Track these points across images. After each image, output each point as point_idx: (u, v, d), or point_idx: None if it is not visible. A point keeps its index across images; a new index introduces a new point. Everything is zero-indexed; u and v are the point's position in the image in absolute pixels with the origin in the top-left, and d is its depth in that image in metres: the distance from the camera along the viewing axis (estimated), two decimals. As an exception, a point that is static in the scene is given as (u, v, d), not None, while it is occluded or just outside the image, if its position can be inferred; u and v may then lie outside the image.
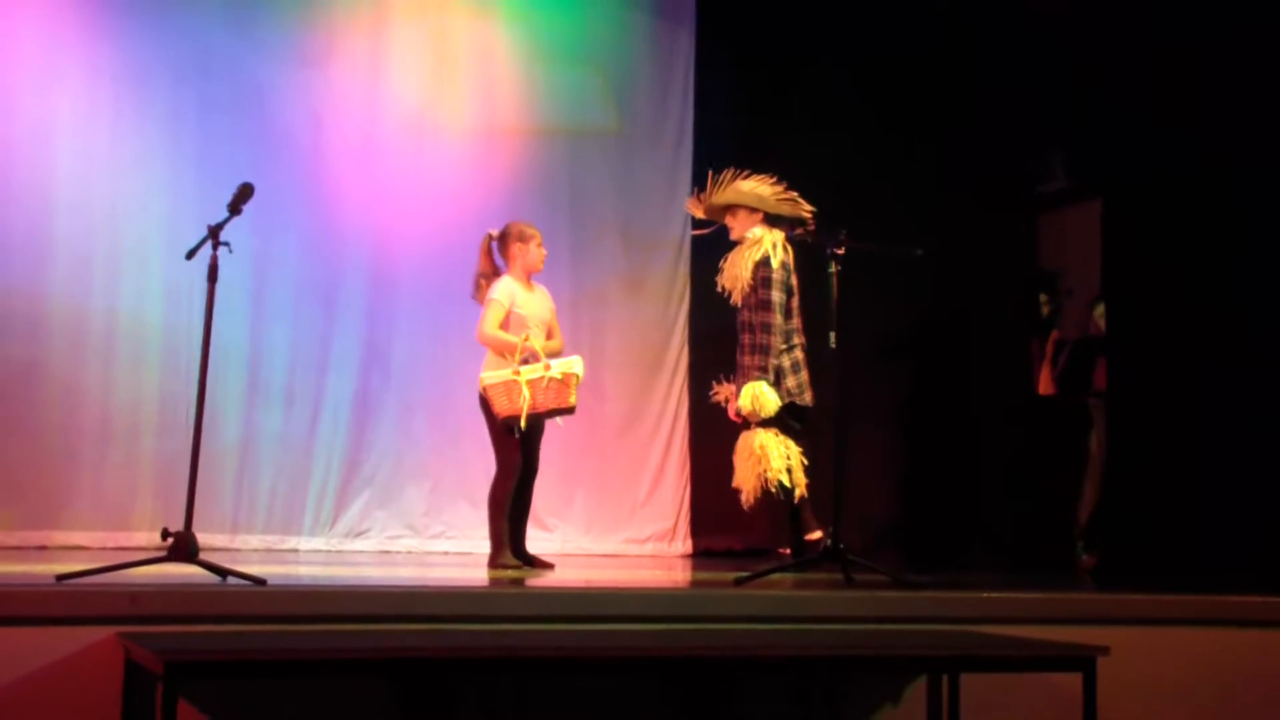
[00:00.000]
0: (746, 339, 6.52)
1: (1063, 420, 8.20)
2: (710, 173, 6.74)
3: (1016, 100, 8.06)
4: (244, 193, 5.48)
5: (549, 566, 6.59)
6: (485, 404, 6.42)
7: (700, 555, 8.35)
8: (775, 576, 5.89)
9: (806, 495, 6.48)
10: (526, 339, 6.39)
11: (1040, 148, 8.41)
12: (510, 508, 6.51)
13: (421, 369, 8.17)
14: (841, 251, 5.99)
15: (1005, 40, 8.01)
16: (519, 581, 5.96)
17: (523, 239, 6.64)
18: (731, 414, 6.60)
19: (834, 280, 5.96)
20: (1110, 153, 7.73)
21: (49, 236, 7.71)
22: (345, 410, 8.15)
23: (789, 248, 6.58)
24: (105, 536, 7.38)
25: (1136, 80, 7.30)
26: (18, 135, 7.71)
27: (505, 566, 6.38)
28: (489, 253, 6.70)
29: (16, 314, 7.59)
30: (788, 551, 6.71)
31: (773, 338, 6.46)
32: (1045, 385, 8.41)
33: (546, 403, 6.34)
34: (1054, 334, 8.57)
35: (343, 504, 8.10)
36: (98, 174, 7.81)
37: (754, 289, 6.50)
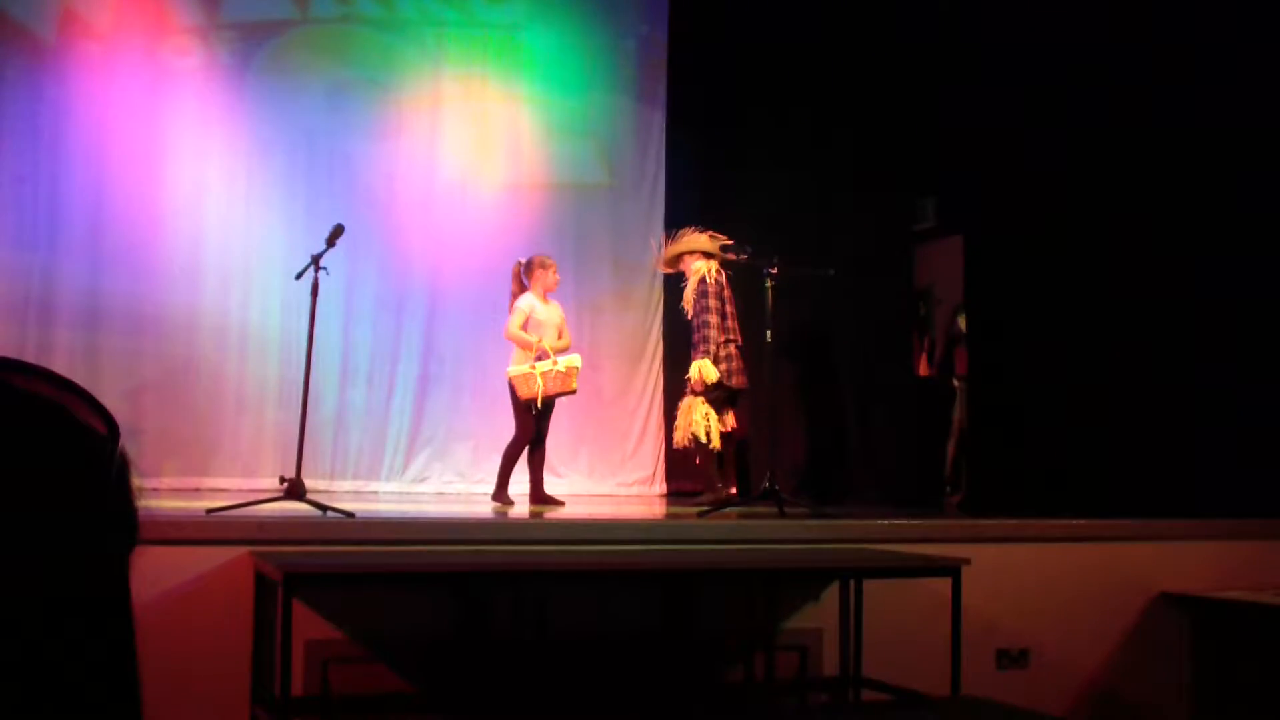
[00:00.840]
0: (696, 336, 6.72)
1: (934, 396, 8.21)
2: (662, 231, 7.29)
3: (899, 155, 8.03)
4: (337, 232, 5.50)
5: (560, 503, 6.59)
6: (511, 389, 6.49)
7: (672, 495, 8.34)
8: (729, 510, 5.89)
9: (722, 451, 6.67)
10: (540, 341, 6.43)
11: (917, 197, 8.43)
12: (529, 464, 6.56)
13: (466, 359, 8.14)
14: (775, 271, 6.08)
15: (887, 105, 7.96)
16: (538, 514, 5.96)
17: (543, 267, 6.71)
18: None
19: (769, 293, 6.06)
20: (968, 200, 7.73)
21: (200, 266, 7.70)
22: (410, 389, 8.09)
23: (722, 271, 6.77)
24: (241, 481, 7.33)
25: (991, 139, 7.27)
26: (180, 193, 7.69)
27: (503, 502, 6.45)
28: (518, 276, 6.73)
29: (177, 322, 7.58)
30: (734, 490, 6.74)
31: (711, 331, 6.64)
32: (923, 369, 8.42)
33: (555, 388, 6.42)
34: (928, 332, 8.60)
35: (410, 458, 8.04)
36: (235, 220, 7.79)
37: (698, 299, 6.71)
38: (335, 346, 7.84)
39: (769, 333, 6.12)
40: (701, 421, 6.64)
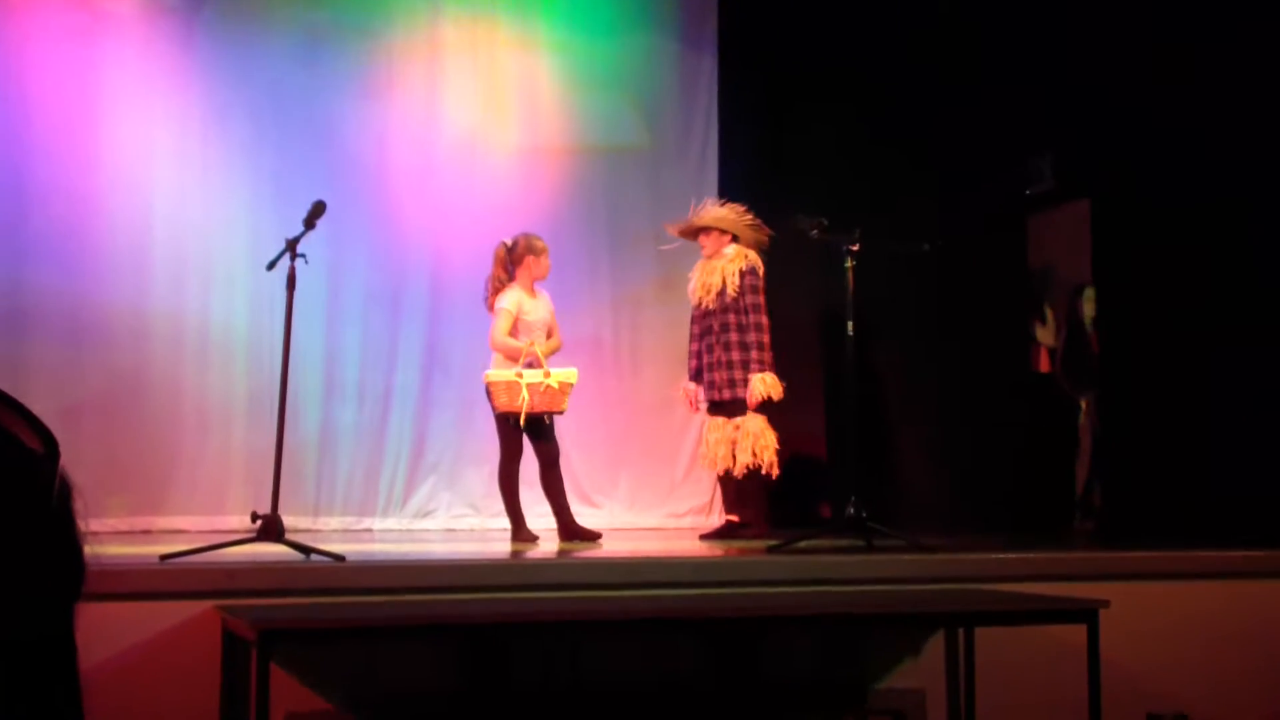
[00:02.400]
0: (736, 336, 6.89)
1: (1056, 398, 8.14)
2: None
3: (1011, 107, 7.97)
4: (317, 210, 5.50)
5: (596, 536, 6.62)
6: (489, 397, 6.53)
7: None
8: (804, 544, 5.85)
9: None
10: (531, 345, 6.45)
11: (1031, 154, 8.33)
12: (545, 491, 6.60)
13: (477, 365, 8.07)
14: (856, 248, 6.06)
15: (1002, 48, 7.92)
16: (568, 553, 5.94)
17: (533, 251, 6.71)
18: (694, 405, 7.21)
19: (849, 274, 6.03)
20: (1097, 156, 7.65)
21: (149, 256, 7.71)
22: (411, 404, 8.11)
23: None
24: (202, 520, 7.37)
25: (1123, 87, 7.20)
26: (121, 167, 7.70)
27: (525, 540, 6.45)
28: (503, 261, 6.75)
29: (121, 325, 7.58)
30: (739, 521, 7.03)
31: (766, 335, 6.87)
32: (1043, 364, 8.36)
33: (541, 405, 6.46)
34: (1048, 320, 8.53)
35: (412, 487, 8.06)
36: (190, 199, 7.81)
37: (742, 294, 6.88)
38: (317, 352, 7.87)
39: (850, 325, 6.09)
40: (773, 446, 6.85)
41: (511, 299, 6.60)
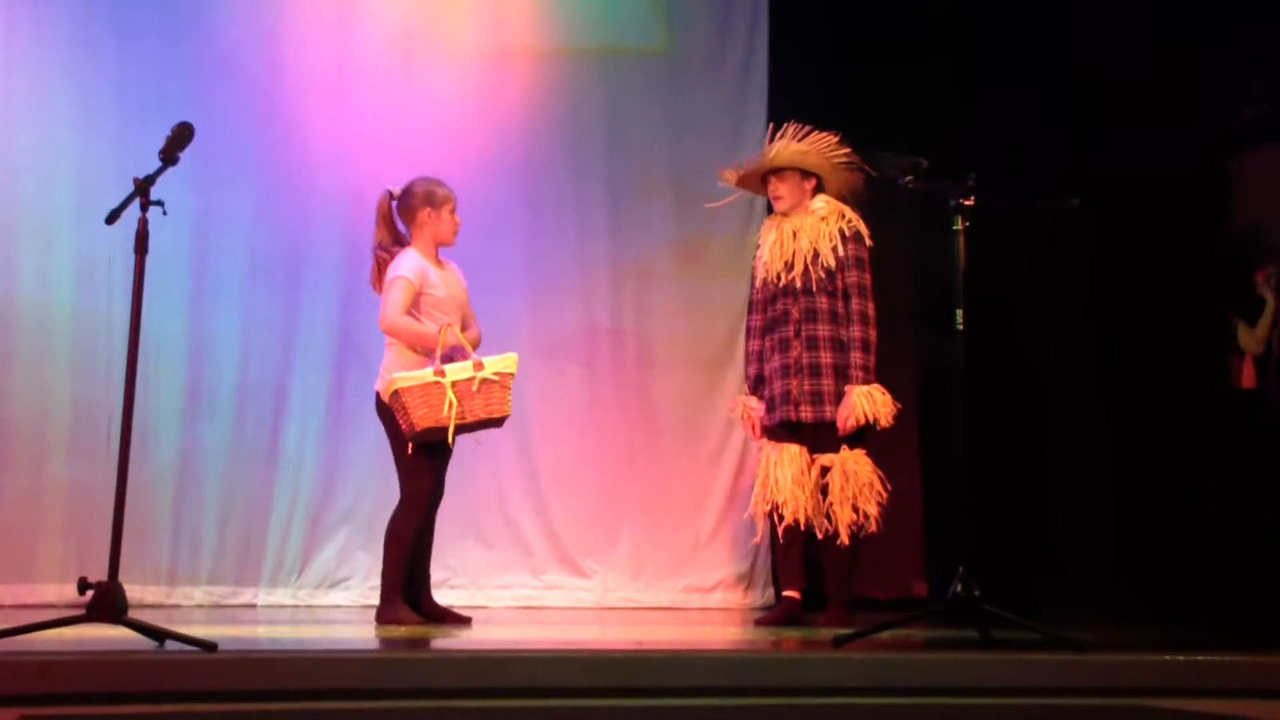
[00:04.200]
0: (829, 330, 6.88)
1: (1266, 429, 8.12)
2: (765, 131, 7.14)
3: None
4: (180, 135, 5.45)
5: (464, 621, 6.67)
6: (388, 413, 6.50)
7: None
8: (887, 634, 5.84)
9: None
10: (449, 329, 6.48)
11: (1235, 64, 8.32)
12: (411, 544, 6.60)
13: (412, 364, 8.18)
14: (969, 203, 5.96)
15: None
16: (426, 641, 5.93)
17: (432, 202, 6.74)
18: (756, 431, 7.14)
19: (960, 241, 5.91)
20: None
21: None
22: (316, 420, 8.19)
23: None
24: (2, 591, 7.37)
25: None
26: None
27: (400, 621, 6.47)
28: (388, 217, 6.78)
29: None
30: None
31: (876, 332, 6.89)
32: (1246, 378, 8.33)
33: (476, 411, 6.42)
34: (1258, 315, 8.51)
35: (313, 544, 8.12)
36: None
37: (844, 269, 6.87)
38: (177, 343, 7.93)
39: (960, 314, 6.04)
40: (877, 495, 6.86)
41: (410, 265, 6.61)
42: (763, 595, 8.46)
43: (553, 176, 8.40)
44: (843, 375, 6.82)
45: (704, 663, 5.36)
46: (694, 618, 7.86)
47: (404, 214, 6.76)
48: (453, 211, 6.75)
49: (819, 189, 7.06)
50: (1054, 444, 8.34)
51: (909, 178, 6.35)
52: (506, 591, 7.94)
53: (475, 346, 6.64)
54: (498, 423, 6.54)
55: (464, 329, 6.68)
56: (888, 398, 6.79)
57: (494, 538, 7.98)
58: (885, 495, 6.83)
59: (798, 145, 7.02)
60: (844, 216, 6.94)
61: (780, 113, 8.00)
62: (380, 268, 6.72)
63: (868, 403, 6.75)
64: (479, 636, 6.20)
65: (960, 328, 5.91)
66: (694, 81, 8.62)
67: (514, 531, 8.23)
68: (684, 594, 8.36)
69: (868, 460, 6.85)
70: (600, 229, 8.49)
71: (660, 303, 8.56)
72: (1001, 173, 6.67)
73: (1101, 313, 8.20)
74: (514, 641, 6.05)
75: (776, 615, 7.02)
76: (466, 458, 7.57)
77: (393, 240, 6.75)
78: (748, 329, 7.22)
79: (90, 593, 5.10)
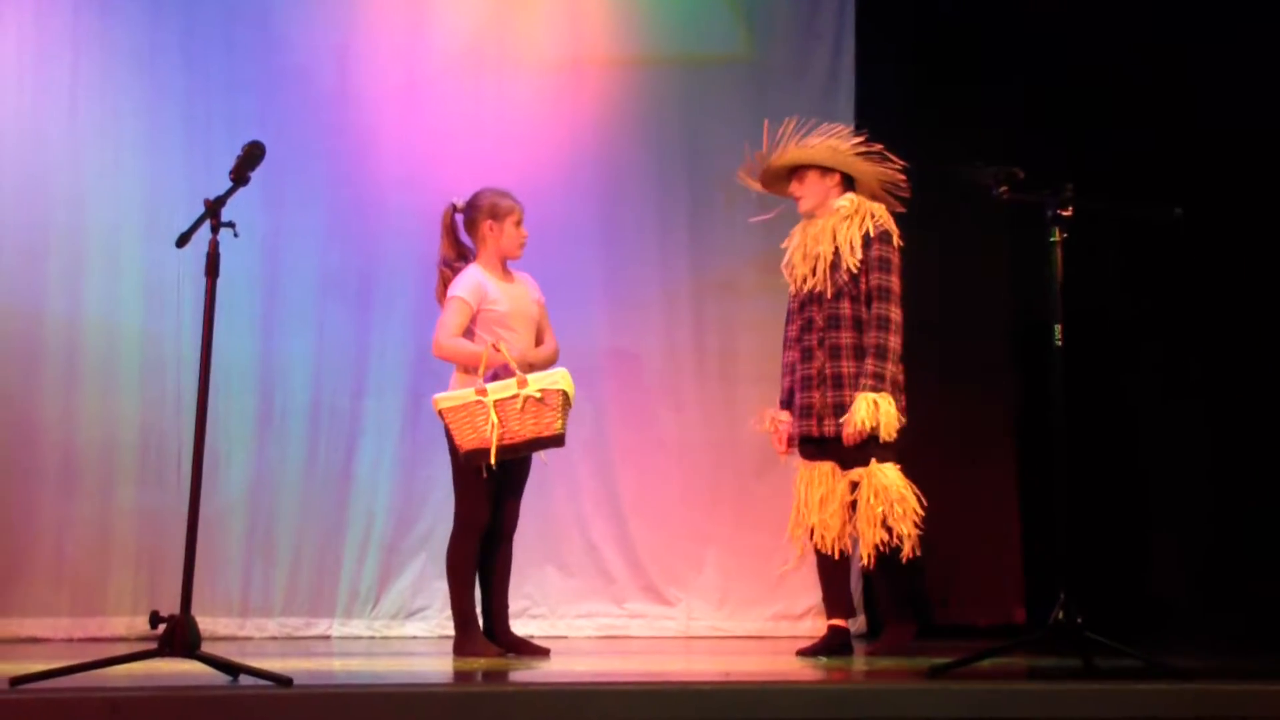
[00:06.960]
0: (850, 337, 6.76)
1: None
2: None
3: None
4: (251, 155, 5.46)
5: (543, 652, 6.64)
6: (446, 433, 6.51)
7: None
8: (987, 663, 5.80)
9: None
10: (495, 345, 6.46)
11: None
12: (482, 573, 6.64)
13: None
14: (1067, 213, 5.92)
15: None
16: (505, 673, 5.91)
17: (495, 215, 6.73)
18: (783, 445, 6.98)
19: (1057, 253, 5.88)
20: None
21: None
22: (390, 443, 8.21)
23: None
24: (71, 624, 7.41)
25: None
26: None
27: (478, 653, 6.47)
28: (452, 230, 6.79)
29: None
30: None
31: (898, 339, 6.71)
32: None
33: (523, 431, 6.38)
34: None
35: (389, 572, 8.14)
36: (50, 135, 7.91)
37: (865, 271, 6.75)
38: (248, 367, 7.97)
39: (1058, 330, 6.00)
40: (912, 510, 6.69)
41: (468, 285, 6.61)
42: (855, 622, 8.40)
43: (631, 189, 8.40)
44: (860, 383, 6.70)
45: (796, 695, 5.33)
46: (783, 646, 7.81)
47: (468, 227, 6.78)
48: (518, 224, 6.74)
49: (850, 187, 6.93)
50: (1155, 462, 8.26)
51: (1004, 188, 6.31)
52: (588, 621, 7.95)
53: (550, 363, 6.65)
54: (554, 442, 6.47)
55: (537, 344, 6.70)
56: (894, 409, 6.64)
57: (574, 565, 7.98)
58: (921, 513, 6.66)
59: (806, 142, 6.92)
60: (872, 215, 6.81)
61: (868, 121, 7.99)
62: (444, 283, 6.73)
63: (868, 411, 6.61)
64: (559, 669, 6.17)
65: (1059, 343, 5.86)
66: (777, 89, 8.58)
67: (595, 558, 8.23)
68: (772, 622, 8.32)
69: (899, 474, 6.70)
70: (681, 242, 8.48)
71: (744, 318, 8.53)
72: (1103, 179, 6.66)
73: (1203, 322, 8.12)
74: (595, 674, 6.02)
75: (817, 645, 6.89)
76: (547, 484, 7.57)
77: (456, 254, 6.77)
78: (785, 342, 7.07)
79: (161, 626, 5.12)
